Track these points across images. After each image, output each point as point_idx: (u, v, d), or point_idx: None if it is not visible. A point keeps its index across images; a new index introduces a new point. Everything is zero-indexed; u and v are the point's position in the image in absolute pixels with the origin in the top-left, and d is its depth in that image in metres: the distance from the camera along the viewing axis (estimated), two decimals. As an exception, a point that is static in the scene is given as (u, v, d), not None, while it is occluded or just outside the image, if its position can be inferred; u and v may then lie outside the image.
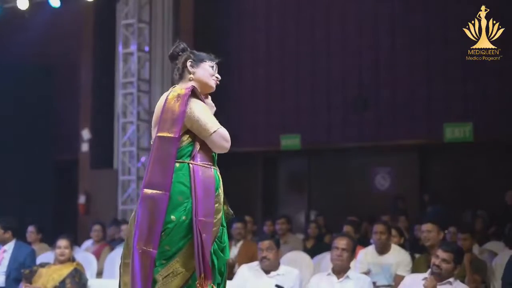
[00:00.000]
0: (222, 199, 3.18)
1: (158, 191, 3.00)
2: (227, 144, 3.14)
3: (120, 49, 11.27)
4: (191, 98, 3.13)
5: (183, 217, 3.03)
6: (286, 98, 11.34)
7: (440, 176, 10.87)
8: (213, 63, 3.32)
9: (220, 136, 3.10)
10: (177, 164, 3.08)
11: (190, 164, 3.09)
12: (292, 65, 11.34)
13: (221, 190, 3.17)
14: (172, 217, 3.01)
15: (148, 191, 3.02)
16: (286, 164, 12.28)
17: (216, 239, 3.14)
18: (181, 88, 3.19)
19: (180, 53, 3.32)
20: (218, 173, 3.21)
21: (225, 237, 3.24)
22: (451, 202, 10.29)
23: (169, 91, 3.25)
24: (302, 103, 11.22)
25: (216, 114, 3.29)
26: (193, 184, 3.05)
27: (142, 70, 11.20)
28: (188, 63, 3.26)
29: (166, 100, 3.14)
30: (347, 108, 10.88)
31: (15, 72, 11.02)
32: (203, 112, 3.12)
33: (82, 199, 11.37)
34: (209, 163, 3.15)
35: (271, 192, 12.14)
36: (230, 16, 11.88)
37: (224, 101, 9.70)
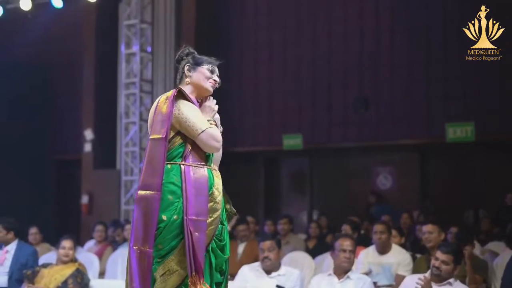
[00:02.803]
0: (219, 198, 3.19)
1: (150, 192, 3.07)
2: (217, 144, 3.16)
3: (122, 50, 11.30)
4: (180, 100, 3.17)
5: (174, 216, 3.07)
6: (288, 98, 11.36)
7: (442, 176, 10.88)
8: (211, 66, 3.34)
9: (209, 135, 3.12)
10: (169, 166, 3.13)
11: (181, 165, 3.14)
12: (294, 65, 11.35)
13: (216, 189, 3.18)
14: (164, 216, 3.06)
15: (142, 192, 3.09)
16: (288, 164, 12.30)
17: (215, 238, 3.17)
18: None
19: (185, 57, 3.38)
20: (214, 172, 3.24)
21: (225, 235, 3.25)
22: (452, 202, 10.30)
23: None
24: (304, 103, 11.23)
25: (218, 114, 3.33)
26: (184, 184, 3.09)
27: (145, 71, 11.23)
28: (186, 67, 3.33)
29: (157, 103, 3.21)
30: (348, 108, 10.89)
31: (18, 73, 11.06)
32: (191, 113, 3.15)
33: (84, 199, 11.39)
34: (202, 163, 3.18)
35: (273, 192, 12.15)
36: (232, 17, 11.89)
37: (226, 101, 9.73)
